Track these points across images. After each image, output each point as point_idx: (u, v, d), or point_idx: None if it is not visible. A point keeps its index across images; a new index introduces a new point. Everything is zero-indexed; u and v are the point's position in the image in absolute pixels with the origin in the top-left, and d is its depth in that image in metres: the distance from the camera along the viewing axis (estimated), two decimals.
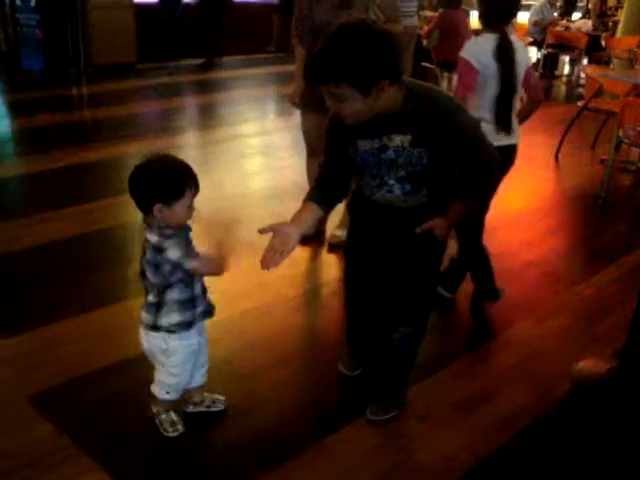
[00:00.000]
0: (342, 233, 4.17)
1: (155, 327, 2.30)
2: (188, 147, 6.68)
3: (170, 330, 2.29)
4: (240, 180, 5.54)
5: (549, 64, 10.89)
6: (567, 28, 10.91)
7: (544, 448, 2.54)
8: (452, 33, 7.24)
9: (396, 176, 2.24)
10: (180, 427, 2.46)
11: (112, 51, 9.38)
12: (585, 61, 10.93)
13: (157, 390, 2.42)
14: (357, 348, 2.88)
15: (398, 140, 2.13)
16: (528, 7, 11.25)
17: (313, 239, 4.23)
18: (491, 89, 3.14)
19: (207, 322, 2.46)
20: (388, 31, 2.00)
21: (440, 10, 8.22)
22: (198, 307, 2.34)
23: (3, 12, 10.07)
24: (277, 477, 2.31)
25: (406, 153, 2.14)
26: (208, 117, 7.94)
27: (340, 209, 4.20)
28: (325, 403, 2.77)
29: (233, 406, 2.65)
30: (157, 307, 2.28)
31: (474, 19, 9.26)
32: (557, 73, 11.11)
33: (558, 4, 13.48)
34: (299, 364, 3.06)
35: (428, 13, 10.15)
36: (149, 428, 2.47)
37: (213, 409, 2.61)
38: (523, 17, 11.63)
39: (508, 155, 3.14)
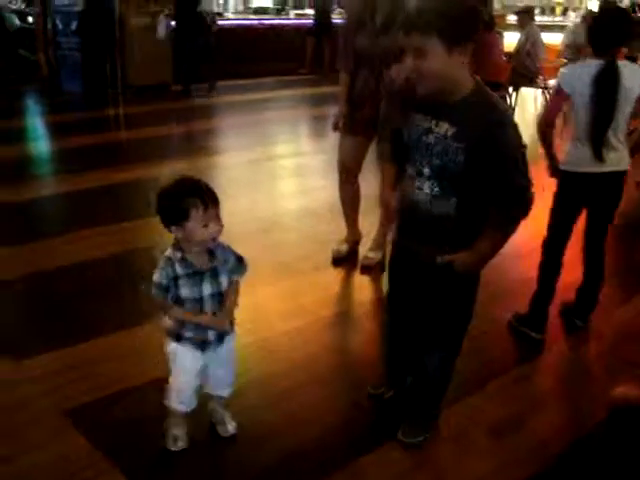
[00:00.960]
0: (375, 255, 4.19)
1: (166, 331, 2.36)
2: (223, 168, 6.76)
3: (166, 333, 2.36)
4: (274, 201, 5.59)
5: None
6: None
7: (580, 476, 2.50)
8: (484, 55, 7.26)
9: (431, 165, 2.23)
10: (180, 444, 2.46)
11: (148, 73, 9.57)
12: None
13: (168, 397, 2.44)
14: (393, 370, 2.85)
15: (444, 128, 2.16)
16: (561, 28, 11.22)
17: (346, 260, 4.25)
18: (585, 116, 3.11)
19: (231, 344, 2.46)
20: None
21: None
22: (187, 330, 2.32)
23: (45, 36, 10.34)
24: None
25: (445, 143, 2.17)
26: (243, 138, 8.01)
27: (373, 231, 4.24)
28: (359, 423, 2.76)
29: (270, 423, 2.68)
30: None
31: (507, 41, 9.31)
32: None
33: None
34: (334, 384, 3.07)
35: None
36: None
37: (218, 428, 2.58)
38: (556, 38, 11.61)
39: (612, 182, 3.20)
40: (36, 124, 8.82)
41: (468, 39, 2.06)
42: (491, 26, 7.71)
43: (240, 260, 2.34)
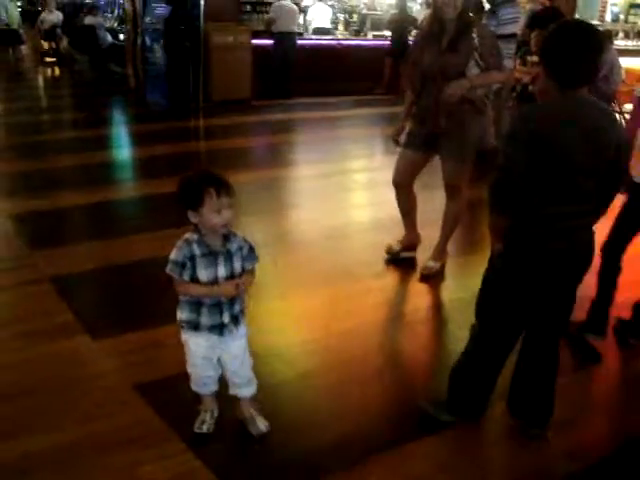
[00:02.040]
0: (435, 264, 4.32)
1: (181, 323, 2.57)
2: (296, 179, 7.03)
3: (180, 325, 2.56)
4: (342, 212, 5.78)
5: None
6: None
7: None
8: None
9: None
10: (205, 428, 2.67)
11: (229, 88, 9.96)
12: None
13: (192, 383, 2.67)
14: (483, 395, 2.82)
15: None
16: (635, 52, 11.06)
17: (399, 262, 4.48)
18: None
19: (244, 340, 2.63)
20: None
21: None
22: (203, 316, 2.50)
23: (134, 51, 10.92)
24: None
25: None
26: (317, 152, 8.25)
27: (435, 241, 4.36)
28: (401, 419, 2.92)
29: (327, 410, 2.91)
30: (178, 302, 2.56)
31: None
32: None
33: None
34: (377, 384, 3.21)
35: (535, 58, 10.16)
36: (237, 425, 2.73)
37: (250, 428, 2.71)
38: (632, 63, 11.43)
39: None
40: (121, 133, 9.34)
41: None
42: None
43: (252, 249, 2.54)
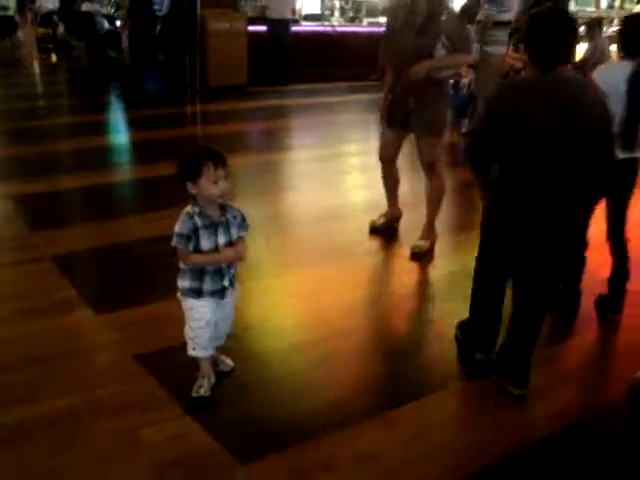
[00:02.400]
0: (425, 243, 4.46)
1: (178, 288, 2.74)
2: (292, 162, 7.17)
3: (183, 293, 2.72)
4: (337, 193, 5.90)
5: None
6: None
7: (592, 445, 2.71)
8: None
9: None
10: (203, 391, 2.81)
11: (225, 74, 10.06)
12: None
13: (188, 349, 2.80)
14: (489, 334, 3.15)
15: None
16: None
17: (382, 233, 4.76)
18: (618, 111, 3.24)
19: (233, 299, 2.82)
20: None
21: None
22: (206, 283, 2.69)
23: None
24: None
25: None
26: (313, 137, 8.37)
27: (422, 219, 4.49)
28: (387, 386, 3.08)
29: (317, 378, 3.06)
30: (178, 271, 2.72)
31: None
32: None
33: None
34: (373, 353, 3.40)
35: None
36: (234, 388, 2.88)
37: (221, 367, 2.99)
38: None
39: (632, 167, 3.46)
40: (118, 118, 9.45)
41: None
42: None
43: (244, 219, 2.76)
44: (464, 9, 8.64)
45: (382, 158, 4.71)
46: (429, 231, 4.54)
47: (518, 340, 2.97)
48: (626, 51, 3.42)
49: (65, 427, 2.62)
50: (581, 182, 2.73)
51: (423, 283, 4.20)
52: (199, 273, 2.67)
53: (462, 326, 3.31)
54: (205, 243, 2.62)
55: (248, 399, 2.85)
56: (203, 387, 2.82)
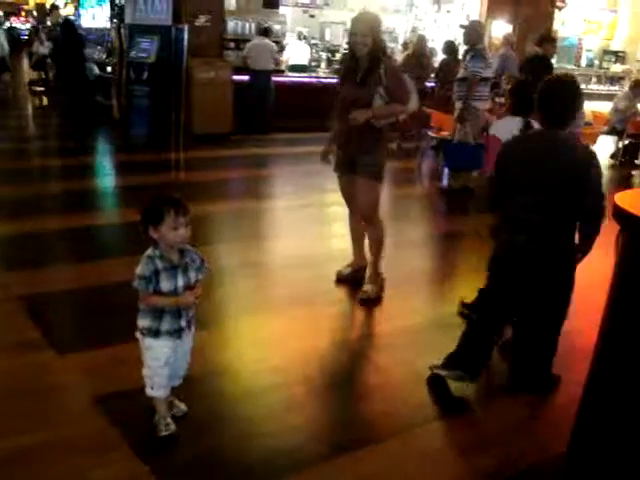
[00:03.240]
0: (372, 288, 4.65)
1: (137, 328, 2.87)
2: (269, 211, 7.31)
3: (142, 332, 2.85)
4: (309, 242, 6.03)
5: (630, 153, 11.03)
6: None
7: None
8: None
9: None
10: (172, 427, 2.91)
11: (210, 122, 10.25)
12: None
13: (146, 388, 2.90)
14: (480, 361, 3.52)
15: None
16: (609, 97, 11.51)
17: (350, 282, 4.83)
18: None
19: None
20: None
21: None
22: (164, 323, 2.81)
23: (120, 84, 11.22)
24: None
25: None
26: (290, 185, 8.53)
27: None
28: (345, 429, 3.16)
29: (270, 424, 3.11)
30: (139, 311, 2.86)
31: None
32: (638, 162, 11.20)
33: None
34: (331, 398, 3.50)
35: (503, 100, 10.57)
36: (190, 432, 2.95)
37: (174, 411, 3.05)
38: (601, 106, 11.87)
39: None
40: (104, 162, 9.61)
41: None
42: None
43: (203, 261, 2.90)
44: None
45: (347, 206, 4.89)
46: (375, 276, 4.70)
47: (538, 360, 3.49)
48: (516, 110, 4.06)
49: (16, 467, 2.68)
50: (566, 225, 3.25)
51: (385, 332, 4.29)
52: (158, 313, 2.81)
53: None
54: (165, 285, 2.75)
55: (200, 443, 2.93)
56: (170, 424, 2.91)
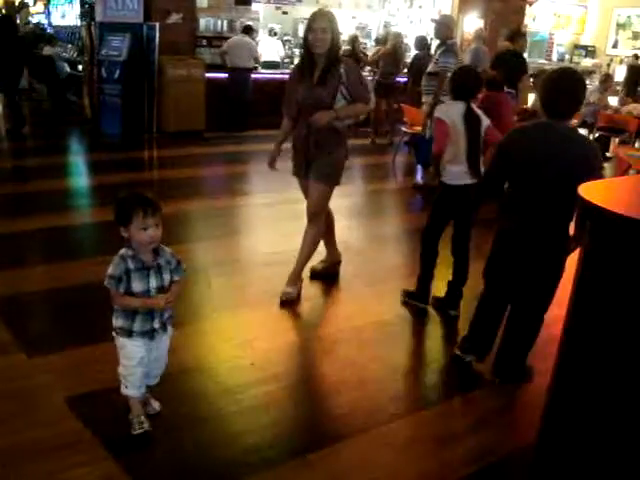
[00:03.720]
0: (293, 290, 4.55)
1: (113, 327, 2.85)
2: (243, 207, 7.28)
3: (116, 332, 2.84)
4: (283, 239, 5.97)
5: (601, 146, 11.14)
6: (617, 111, 11.20)
7: None
8: (494, 114, 7.65)
9: None
10: (146, 425, 2.89)
11: (182, 120, 10.22)
12: (637, 144, 11.16)
13: (121, 387, 2.89)
14: (486, 338, 3.71)
15: None
16: None
17: (324, 278, 4.81)
18: (459, 141, 4.16)
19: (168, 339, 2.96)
20: None
21: (484, 92, 8.70)
22: (136, 324, 2.80)
23: (91, 82, 11.13)
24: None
25: None
26: (264, 183, 8.48)
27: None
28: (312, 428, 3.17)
29: (241, 422, 3.08)
30: (112, 310, 2.84)
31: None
32: (609, 155, 11.34)
33: (618, 87, 13.89)
34: (299, 396, 3.52)
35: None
36: (165, 430, 2.96)
37: (148, 408, 3.04)
38: None
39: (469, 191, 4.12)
40: (76, 162, 9.51)
41: None
42: (500, 86, 8.16)
43: (179, 263, 2.87)
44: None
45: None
46: (297, 277, 4.60)
47: (515, 347, 3.60)
48: (457, 95, 4.20)
49: None
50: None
51: (357, 329, 4.29)
52: (131, 314, 2.79)
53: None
54: (136, 285, 2.73)
55: (173, 442, 2.93)
56: (145, 422, 2.90)
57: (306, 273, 4.86)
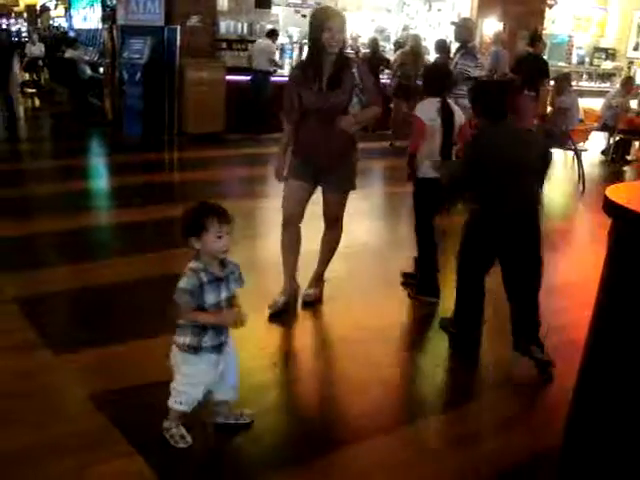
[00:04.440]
0: (315, 291, 4.51)
1: (175, 343, 2.80)
2: (261, 209, 7.30)
3: (181, 349, 2.78)
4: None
5: (621, 150, 11.09)
6: (638, 114, 11.11)
7: None
8: (515, 116, 7.66)
9: None
10: (189, 439, 2.85)
11: (203, 122, 10.28)
12: None
13: (171, 400, 2.84)
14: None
15: None
16: (600, 94, 11.58)
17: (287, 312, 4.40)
18: (435, 136, 4.32)
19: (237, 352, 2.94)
20: None
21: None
22: (205, 338, 2.74)
23: (113, 84, 11.25)
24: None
25: None
26: (281, 185, 8.52)
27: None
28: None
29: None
30: (177, 326, 2.79)
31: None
32: (629, 158, 11.28)
33: None
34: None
35: None
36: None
37: (240, 421, 3.05)
38: (593, 103, 11.93)
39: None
40: (97, 163, 9.62)
41: None
42: (521, 90, 8.17)
43: (240, 273, 2.84)
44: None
45: (291, 217, 4.29)
46: (318, 279, 4.54)
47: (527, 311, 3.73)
48: (432, 92, 4.31)
49: (16, 466, 2.69)
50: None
51: (378, 330, 4.26)
52: (202, 329, 2.74)
53: (451, 323, 4.05)
54: (209, 298, 2.70)
55: (198, 440, 2.93)
56: (185, 436, 2.86)
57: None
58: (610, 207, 2.02)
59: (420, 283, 4.61)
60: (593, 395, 2.23)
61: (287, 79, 4.44)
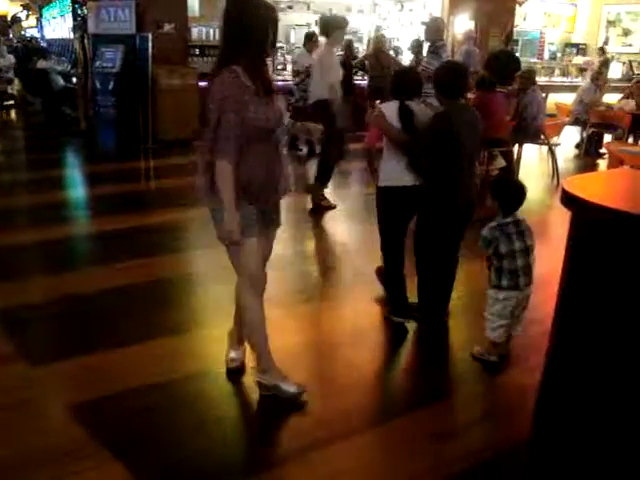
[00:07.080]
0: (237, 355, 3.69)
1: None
2: None
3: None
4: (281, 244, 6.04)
5: (594, 143, 11.20)
6: (610, 107, 11.22)
7: None
8: (486, 113, 7.70)
9: None
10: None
11: (177, 128, 10.23)
12: (631, 139, 11.21)
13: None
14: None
15: None
16: (571, 89, 11.70)
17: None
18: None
19: None
20: None
21: (476, 92, 8.74)
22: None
23: (85, 95, 11.20)
24: None
25: None
26: None
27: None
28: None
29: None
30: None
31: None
32: (602, 151, 11.37)
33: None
34: None
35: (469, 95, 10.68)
36: (172, 435, 3.01)
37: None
38: (564, 98, 12.07)
39: (415, 193, 4.19)
40: (73, 173, 9.58)
41: None
42: (492, 86, 8.23)
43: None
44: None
45: (260, 284, 3.41)
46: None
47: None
48: (395, 95, 4.32)
49: None
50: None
51: (358, 331, 4.33)
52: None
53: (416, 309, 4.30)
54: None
55: (181, 447, 2.95)
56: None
57: (296, 277, 4.89)
58: (567, 199, 2.05)
59: (391, 303, 4.44)
60: (557, 389, 2.27)
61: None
